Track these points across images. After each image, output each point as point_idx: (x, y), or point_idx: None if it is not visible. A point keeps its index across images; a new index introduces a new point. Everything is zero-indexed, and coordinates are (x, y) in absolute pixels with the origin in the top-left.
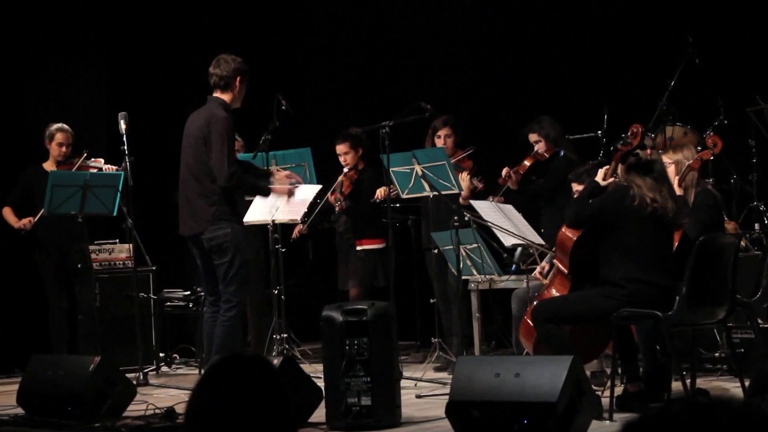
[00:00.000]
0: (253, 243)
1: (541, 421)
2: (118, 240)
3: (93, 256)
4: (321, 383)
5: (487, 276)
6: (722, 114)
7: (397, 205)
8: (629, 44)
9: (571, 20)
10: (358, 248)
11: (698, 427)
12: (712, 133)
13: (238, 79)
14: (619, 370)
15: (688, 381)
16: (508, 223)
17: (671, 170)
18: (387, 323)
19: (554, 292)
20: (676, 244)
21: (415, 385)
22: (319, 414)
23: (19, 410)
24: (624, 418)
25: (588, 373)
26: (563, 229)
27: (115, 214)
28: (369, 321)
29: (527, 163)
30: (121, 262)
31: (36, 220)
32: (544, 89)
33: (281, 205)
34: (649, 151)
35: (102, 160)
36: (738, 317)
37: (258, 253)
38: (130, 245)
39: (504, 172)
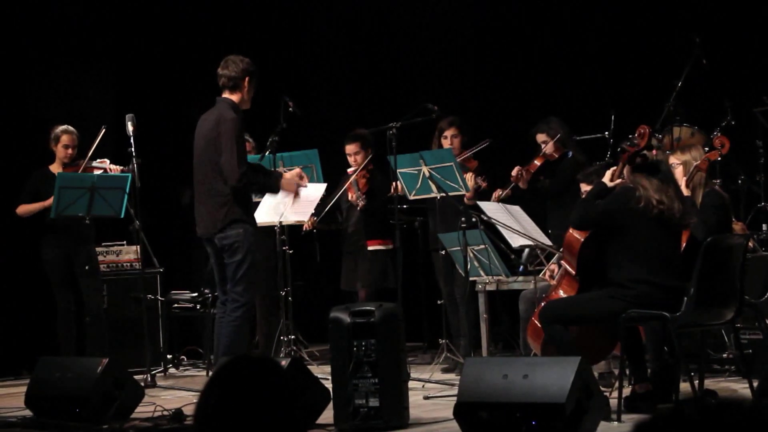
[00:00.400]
0: (263, 245)
1: (549, 422)
2: (125, 242)
3: (100, 257)
4: (329, 385)
5: (494, 277)
6: (729, 115)
7: (405, 206)
8: (636, 45)
9: (579, 21)
10: (369, 248)
11: (709, 428)
12: (719, 134)
13: (246, 79)
14: (627, 371)
15: (696, 382)
16: (515, 224)
17: (679, 171)
18: (395, 324)
19: (562, 294)
20: (684, 244)
21: (423, 386)
22: (327, 415)
23: (27, 412)
24: (632, 419)
25: (596, 374)
26: (570, 231)
27: (122, 216)
28: (377, 322)
29: (537, 162)
30: (128, 264)
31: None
32: (551, 90)
33: (288, 205)
34: (654, 151)
35: (107, 160)
36: (746, 318)
37: (268, 255)
38: (138, 247)
39: (515, 170)
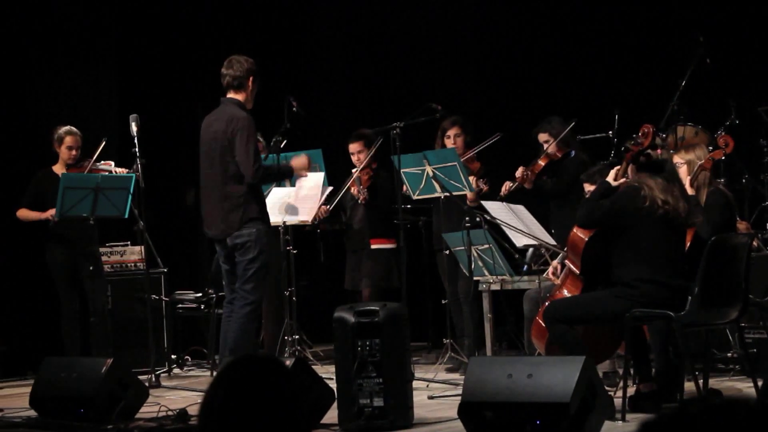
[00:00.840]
0: (275, 246)
1: (553, 421)
2: (129, 242)
3: (105, 258)
4: (333, 384)
5: (498, 277)
6: (734, 114)
7: (408, 206)
8: (640, 44)
9: (582, 20)
10: (373, 246)
11: (714, 427)
12: (723, 133)
13: (250, 79)
14: (632, 371)
15: (700, 381)
16: (519, 224)
17: (683, 170)
18: (399, 324)
19: (566, 293)
20: (689, 243)
21: (427, 386)
22: (332, 415)
23: (32, 413)
24: (636, 418)
25: (600, 373)
26: (575, 230)
27: (126, 216)
28: (381, 322)
29: (542, 163)
30: (132, 264)
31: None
32: (555, 89)
33: (292, 198)
34: (658, 150)
35: (112, 163)
36: (750, 317)
37: (276, 254)
38: (142, 247)
39: (520, 171)
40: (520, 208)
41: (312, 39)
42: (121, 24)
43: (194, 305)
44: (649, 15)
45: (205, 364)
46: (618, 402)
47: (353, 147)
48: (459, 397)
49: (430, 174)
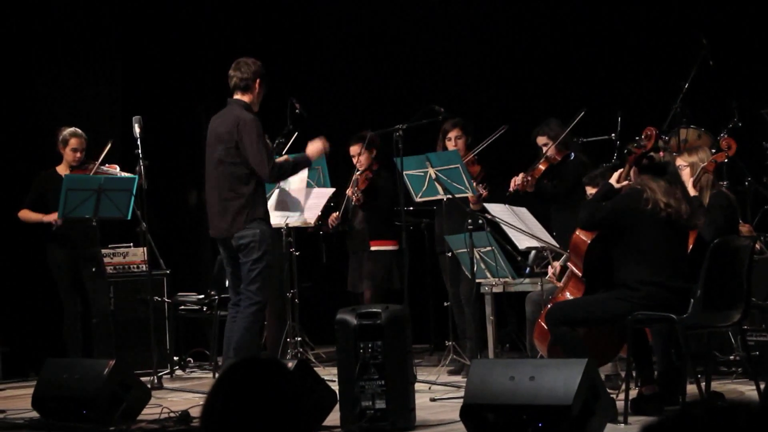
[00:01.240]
0: (277, 247)
1: (555, 424)
2: (132, 244)
3: (107, 259)
4: (335, 387)
5: (501, 279)
6: (736, 116)
7: (411, 207)
8: (643, 47)
9: (585, 22)
10: (373, 248)
11: (716, 430)
12: (726, 136)
13: (257, 81)
14: (634, 373)
15: (702, 384)
16: (522, 226)
17: (686, 173)
18: (401, 326)
19: (568, 295)
20: (691, 246)
21: (430, 388)
22: (334, 417)
23: (35, 414)
24: (639, 421)
25: (602, 376)
26: (577, 232)
27: (129, 217)
28: (383, 324)
29: (542, 167)
30: (135, 266)
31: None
32: (557, 91)
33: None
34: (661, 153)
35: (117, 167)
36: (753, 320)
37: (279, 256)
38: (144, 249)
39: (520, 177)
40: (523, 211)
41: (315, 40)
42: (124, 26)
43: (196, 307)
44: (652, 17)
45: (208, 366)
46: (620, 405)
47: (353, 149)
48: (461, 400)
49: (433, 176)
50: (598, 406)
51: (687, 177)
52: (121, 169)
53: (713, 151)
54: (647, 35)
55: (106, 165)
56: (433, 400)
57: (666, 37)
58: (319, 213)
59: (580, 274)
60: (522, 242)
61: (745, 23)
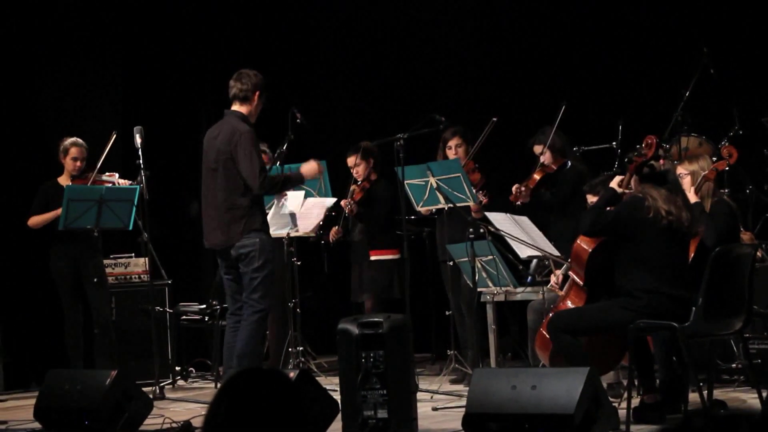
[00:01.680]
0: (279, 256)
1: None
2: (133, 254)
3: (108, 270)
4: (337, 396)
5: (502, 288)
6: (737, 124)
7: (412, 216)
8: (644, 55)
9: (586, 31)
10: (372, 258)
11: None
12: (727, 144)
13: (257, 93)
14: (636, 382)
15: (705, 392)
16: (523, 235)
17: (687, 181)
18: (403, 336)
19: (570, 304)
20: (692, 254)
21: (432, 397)
22: (336, 427)
23: (37, 425)
24: (641, 429)
25: (604, 384)
26: (578, 241)
27: (130, 228)
28: (385, 333)
29: (537, 177)
30: (136, 276)
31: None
32: (558, 100)
33: (296, 215)
34: (662, 161)
35: (116, 175)
36: (755, 328)
37: (280, 266)
38: (146, 259)
39: (514, 189)
40: (524, 219)
41: (316, 51)
42: (126, 36)
43: (198, 317)
44: (653, 25)
45: (209, 376)
46: (622, 413)
47: (350, 160)
48: (463, 409)
49: (434, 185)
50: (600, 414)
51: (688, 185)
52: (121, 177)
53: (714, 159)
54: (648, 43)
55: (106, 174)
56: (435, 409)
57: (667, 45)
58: (320, 223)
59: (581, 283)
60: (523, 251)
61: (745, 31)
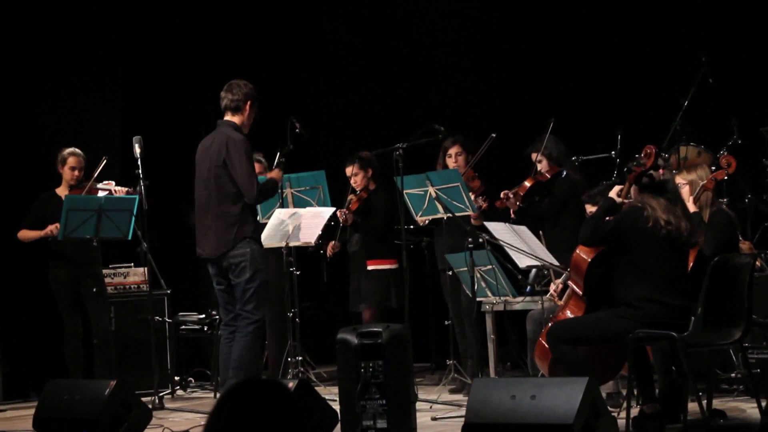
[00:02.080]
0: (273, 266)
1: None
2: (132, 264)
3: (108, 279)
4: (336, 406)
5: (501, 297)
6: (736, 134)
7: (411, 226)
8: (643, 64)
9: (585, 41)
10: (369, 268)
11: None
12: (726, 153)
13: (248, 103)
14: (635, 392)
15: (704, 402)
16: (522, 245)
17: (685, 190)
18: (402, 345)
19: (569, 314)
20: (692, 263)
21: (431, 407)
22: None
23: None
24: None
25: (604, 394)
26: (577, 251)
27: (129, 238)
28: (384, 343)
29: (527, 184)
30: (135, 286)
31: (50, 242)
32: (557, 110)
33: (294, 224)
34: (661, 171)
35: (113, 183)
36: (754, 337)
37: (279, 276)
38: (145, 269)
39: (502, 194)
40: (523, 229)
41: (315, 60)
42: (126, 46)
43: (197, 327)
44: (652, 35)
45: (209, 386)
46: (622, 423)
47: (349, 170)
48: (462, 419)
49: (433, 195)
50: (600, 424)
51: (686, 195)
52: (118, 185)
53: (713, 168)
54: (647, 53)
55: (103, 182)
56: (434, 419)
57: (666, 54)
58: (320, 232)
59: (580, 293)
60: (522, 260)
61: (744, 41)
